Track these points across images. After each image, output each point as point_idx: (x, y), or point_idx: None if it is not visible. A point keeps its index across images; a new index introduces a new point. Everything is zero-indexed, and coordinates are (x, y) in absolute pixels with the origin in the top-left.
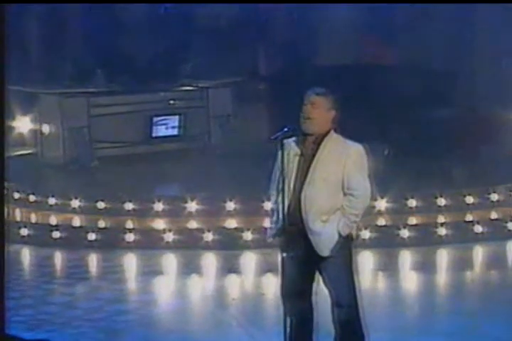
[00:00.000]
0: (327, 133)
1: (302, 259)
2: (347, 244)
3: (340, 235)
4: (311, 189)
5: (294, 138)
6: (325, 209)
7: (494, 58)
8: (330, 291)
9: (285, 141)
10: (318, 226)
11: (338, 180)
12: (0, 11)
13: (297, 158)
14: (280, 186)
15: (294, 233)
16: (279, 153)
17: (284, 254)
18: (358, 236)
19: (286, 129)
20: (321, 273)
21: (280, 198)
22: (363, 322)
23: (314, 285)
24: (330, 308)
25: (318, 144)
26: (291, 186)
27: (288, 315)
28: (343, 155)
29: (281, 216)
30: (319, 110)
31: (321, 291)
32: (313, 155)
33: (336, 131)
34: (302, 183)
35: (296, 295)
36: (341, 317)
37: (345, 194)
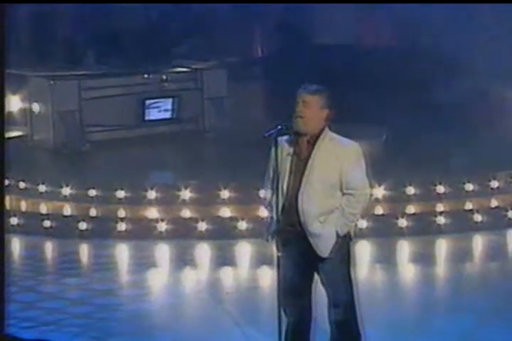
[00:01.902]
0: (321, 132)
1: (300, 260)
2: (345, 244)
3: (338, 235)
4: (308, 191)
5: (286, 137)
6: (323, 210)
7: (496, 40)
8: (327, 291)
9: (279, 138)
10: (316, 228)
11: (335, 180)
12: (0, 11)
13: (290, 157)
14: (274, 186)
15: (291, 234)
16: (273, 150)
17: (281, 254)
18: (355, 235)
19: (279, 127)
20: (318, 273)
21: (275, 199)
22: (360, 320)
23: (313, 284)
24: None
25: (313, 144)
26: (285, 187)
27: (286, 314)
28: (339, 156)
29: (275, 217)
30: (312, 109)
31: (319, 290)
32: (309, 156)
33: (330, 128)
34: (298, 185)
35: (295, 295)
36: (337, 318)
37: (344, 194)
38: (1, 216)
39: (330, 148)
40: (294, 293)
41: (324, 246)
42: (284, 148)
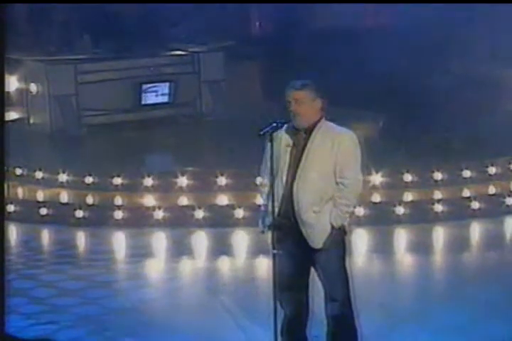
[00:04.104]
0: (318, 122)
1: (295, 253)
2: (340, 238)
3: (332, 227)
4: (303, 179)
5: (285, 129)
6: (317, 200)
7: (493, 25)
8: (323, 285)
9: (275, 132)
10: (310, 218)
11: (330, 169)
12: (0, 11)
13: (289, 148)
14: (270, 180)
15: (286, 226)
16: (268, 146)
17: (276, 249)
18: (351, 229)
19: (274, 124)
20: (314, 267)
21: (270, 192)
22: (356, 313)
23: (310, 278)
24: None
25: (309, 134)
26: (284, 178)
27: (282, 307)
28: (334, 144)
29: (270, 209)
30: (305, 104)
31: (316, 284)
32: (305, 146)
33: (326, 118)
34: (294, 175)
35: (291, 289)
36: (334, 312)
37: (336, 183)
38: (1, 205)
39: (326, 136)
40: (290, 287)
41: (317, 237)
42: (283, 140)
